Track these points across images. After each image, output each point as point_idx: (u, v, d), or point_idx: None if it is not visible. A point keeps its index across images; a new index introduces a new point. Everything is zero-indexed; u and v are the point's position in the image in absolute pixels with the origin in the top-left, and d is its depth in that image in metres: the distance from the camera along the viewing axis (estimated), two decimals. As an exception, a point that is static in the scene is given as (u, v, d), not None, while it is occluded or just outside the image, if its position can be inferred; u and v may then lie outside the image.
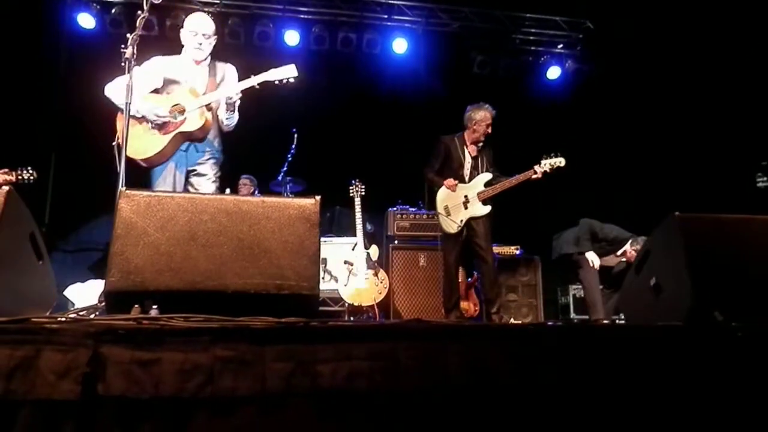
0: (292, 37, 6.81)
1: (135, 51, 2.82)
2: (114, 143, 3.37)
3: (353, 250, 5.38)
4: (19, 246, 2.00)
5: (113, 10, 6.41)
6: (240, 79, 3.59)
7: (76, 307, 3.57)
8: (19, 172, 4.89)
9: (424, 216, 5.83)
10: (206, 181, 3.62)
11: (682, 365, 1.79)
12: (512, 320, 5.48)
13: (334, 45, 6.98)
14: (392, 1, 7.01)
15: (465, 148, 4.86)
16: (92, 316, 2.10)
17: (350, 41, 6.99)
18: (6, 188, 1.91)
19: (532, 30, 7.40)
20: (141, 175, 3.62)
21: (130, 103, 2.80)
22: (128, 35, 2.85)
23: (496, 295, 4.82)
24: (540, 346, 1.76)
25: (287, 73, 3.48)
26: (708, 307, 2.08)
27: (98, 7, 6.45)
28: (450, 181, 4.76)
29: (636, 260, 2.68)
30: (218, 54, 3.81)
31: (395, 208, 5.89)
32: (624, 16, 6.74)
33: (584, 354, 1.78)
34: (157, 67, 3.62)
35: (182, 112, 3.46)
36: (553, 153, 4.74)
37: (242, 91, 3.50)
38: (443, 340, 1.72)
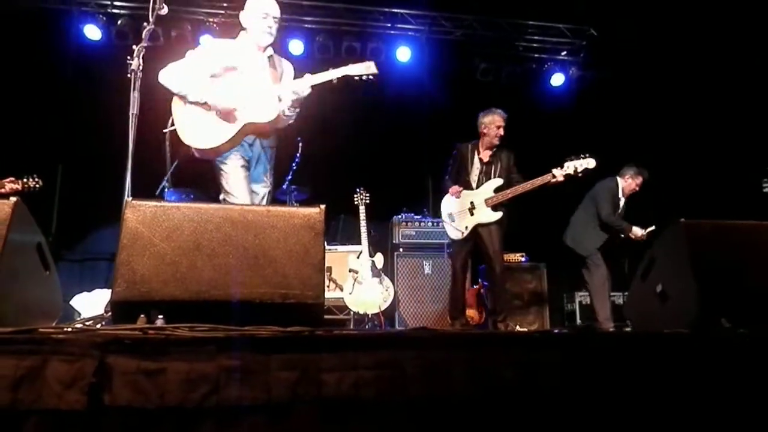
0: (296, 47, 6.85)
1: (141, 62, 2.84)
2: (166, 130, 3.38)
3: (358, 258, 5.38)
4: (26, 256, 2.01)
5: (119, 22, 6.47)
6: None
7: (82, 316, 3.58)
8: (26, 180, 4.93)
9: (429, 224, 5.83)
10: (264, 179, 3.36)
11: (690, 373, 1.78)
12: (518, 328, 5.45)
13: (338, 54, 7.00)
14: (395, 10, 7.04)
15: (476, 154, 4.83)
16: (98, 326, 2.11)
17: (354, 50, 7.02)
18: (13, 199, 1.92)
19: (536, 37, 7.42)
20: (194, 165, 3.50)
21: (136, 114, 2.80)
22: (134, 47, 2.87)
23: (502, 303, 4.79)
24: (546, 354, 1.75)
25: (367, 69, 3.26)
26: (715, 314, 2.07)
27: (104, 18, 6.52)
28: (454, 188, 4.74)
29: (642, 267, 2.67)
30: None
31: (400, 216, 5.89)
32: (627, 21, 6.75)
33: (591, 362, 1.77)
34: (215, 50, 3.31)
35: (249, 101, 3.18)
36: (582, 155, 4.57)
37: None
38: (449, 348, 1.72)
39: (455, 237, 4.75)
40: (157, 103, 3.36)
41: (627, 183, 5.43)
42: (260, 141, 3.32)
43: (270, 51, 3.38)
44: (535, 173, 4.70)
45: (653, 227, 5.17)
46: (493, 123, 4.76)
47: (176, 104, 3.22)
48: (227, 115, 3.14)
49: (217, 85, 3.20)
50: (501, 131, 4.76)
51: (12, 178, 4.91)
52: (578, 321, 6.18)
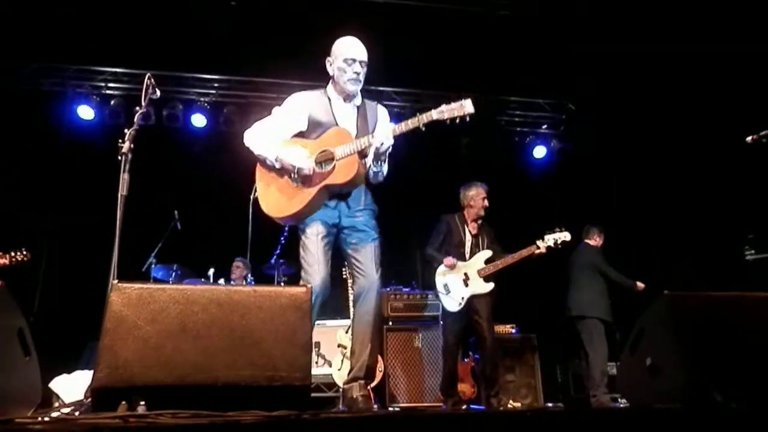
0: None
1: (132, 145, 2.90)
2: (252, 196, 3.22)
3: (347, 332, 5.31)
4: (7, 342, 1.97)
5: (112, 102, 6.64)
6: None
7: (62, 400, 3.46)
8: (13, 254, 4.89)
9: (418, 296, 5.80)
10: (369, 236, 3.06)
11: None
12: (511, 402, 5.33)
13: (325, 130, 7.17)
14: (381, 88, 7.29)
15: (466, 226, 4.94)
16: (77, 413, 2.04)
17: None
18: (-3, 283, 1.91)
19: (517, 112, 7.69)
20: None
21: (125, 195, 2.82)
22: (126, 130, 2.94)
23: (495, 377, 4.74)
24: (539, 434, 1.72)
25: (463, 109, 2.91)
26: (706, 388, 2.05)
27: (98, 99, 6.69)
28: (449, 260, 4.77)
29: (630, 339, 2.66)
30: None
31: (388, 289, 5.86)
32: (604, 94, 7.03)
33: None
34: (301, 105, 3.06)
35: (330, 160, 2.89)
36: (557, 228, 4.80)
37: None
38: (443, 430, 1.68)
39: (453, 309, 4.74)
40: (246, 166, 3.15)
41: (596, 242, 5.75)
42: (345, 203, 3.01)
43: (358, 100, 3.14)
44: (523, 242, 4.82)
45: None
46: (478, 195, 4.91)
47: (259, 169, 3.03)
48: (304, 178, 2.88)
49: (303, 143, 2.96)
50: (486, 203, 4.92)
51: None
52: (572, 392, 6.06)
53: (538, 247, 4.71)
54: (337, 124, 3.00)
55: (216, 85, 6.99)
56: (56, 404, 3.34)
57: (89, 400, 2.10)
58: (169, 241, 5.78)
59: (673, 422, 1.83)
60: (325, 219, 2.97)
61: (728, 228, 6.14)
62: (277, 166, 2.92)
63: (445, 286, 4.80)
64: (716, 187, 6.65)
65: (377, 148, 2.88)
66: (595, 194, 7.12)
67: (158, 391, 1.77)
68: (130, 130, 2.94)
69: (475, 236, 4.92)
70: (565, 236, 4.77)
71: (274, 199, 2.95)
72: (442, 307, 4.86)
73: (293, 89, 6.89)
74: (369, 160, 2.97)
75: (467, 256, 4.86)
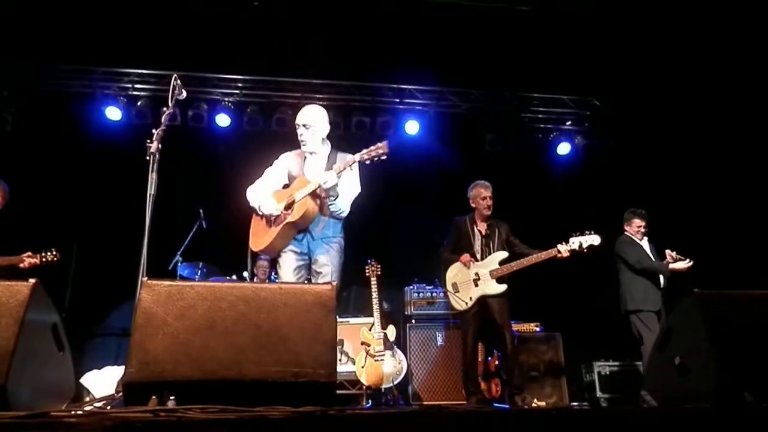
0: (308, 123, 7.05)
1: (160, 145, 2.94)
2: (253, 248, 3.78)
3: (370, 330, 5.33)
4: (41, 338, 2.03)
5: (139, 103, 6.73)
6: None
7: (92, 395, 3.54)
8: (43, 254, 5.00)
9: (441, 294, 5.80)
10: (327, 271, 3.58)
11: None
12: (536, 401, 5.28)
13: (348, 128, 7.20)
14: (403, 86, 7.29)
15: (475, 226, 4.91)
16: (109, 407, 2.09)
17: (364, 124, 7.22)
18: (32, 280, 1.96)
19: (541, 109, 7.61)
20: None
21: (153, 195, 2.87)
22: (153, 130, 2.99)
23: (517, 375, 4.71)
24: (564, 433, 1.71)
25: (378, 151, 3.49)
26: (736, 388, 2.01)
27: (125, 100, 6.79)
28: (466, 257, 4.75)
29: (658, 338, 2.62)
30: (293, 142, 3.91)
31: (412, 287, 5.87)
32: (629, 91, 6.93)
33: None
34: (282, 165, 3.84)
35: (291, 205, 3.57)
36: (587, 231, 4.51)
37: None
38: (466, 427, 1.68)
39: (459, 308, 4.75)
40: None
41: (631, 229, 5.42)
42: (309, 234, 3.63)
43: (324, 153, 3.77)
44: (545, 241, 4.71)
45: (689, 262, 5.05)
46: (478, 196, 4.88)
47: (253, 215, 3.79)
48: (275, 220, 3.63)
49: (280, 194, 3.70)
50: (489, 201, 4.86)
51: (30, 253, 4.99)
52: (598, 392, 5.98)
53: (560, 252, 4.50)
54: (304, 175, 3.68)
55: (240, 85, 7.05)
56: (87, 399, 3.41)
57: (120, 394, 2.15)
58: (194, 240, 5.86)
59: (702, 422, 1.80)
60: (296, 249, 3.65)
61: (760, 226, 6.01)
62: (260, 213, 3.68)
63: (454, 285, 4.80)
64: (747, 183, 6.51)
65: (321, 187, 3.49)
66: (620, 191, 7.01)
67: (187, 386, 1.80)
68: (158, 130, 2.99)
69: (485, 236, 4.86)
70: (594, 240, 4.49)
71: (255, 237, 3.74)
72: (450, 306, 4.85)
73: (315, 88, 7.07)
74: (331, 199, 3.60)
75: (479, 256, 4.82)
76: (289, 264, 3.61)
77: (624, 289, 5.21)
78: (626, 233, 5.42)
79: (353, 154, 3.61)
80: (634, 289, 5.14)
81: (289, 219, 3.54)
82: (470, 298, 4.69)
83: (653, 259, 5.24)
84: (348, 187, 3.67)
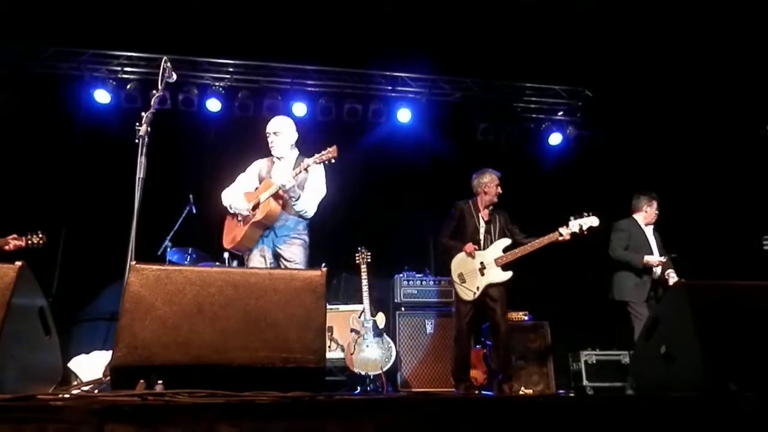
0: (299, 109, 7.02)
1: (149, 128, 2.91)
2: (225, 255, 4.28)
3: (360, 317, 5.34)
4: (28, 321, 2.01)
5: (128, 86, 6.65)
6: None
7: (80, 379, 3.52)
8: (29, 236, 4.95)
9: (431, 282, 5.81)
10: (294, 266, 3.88)
11: (698, 439, 1.74)
12: (523, 389, 5.34)
13: (340, 115, 7.17)
14: (396, 74, 7.25)
15: (478, 213, 4.90)
16: (96, 391, 2.08)
17: (356, 112, 7.19)
18: (18, 263, 1.94)
19: (533, 98, 7.61)
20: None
21: (142, 179, 2.85)
22: (143, 113, 2.95)
23: (507, 364, 4.72)
24: (551, 420, 1.72)
25: (329, 155, 3.85)
26: (721, 377, 2.04)
27: (114, 83, 6.71)
28: (470, 246, 4.72)
29: (645, 327, 2.65)
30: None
31: (402, 275, 5.88)
32: (621, 82, 6.94)
33: (597, 427, 1.73)
34: (252, 170, 4.24)
35: (257, 205, 3.95)
36: (585, 213, 4.61)
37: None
38: (453, 414, 1.69)
39: (468, 298, 4.70)
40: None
41: (648, 213, 5.24)
42: (275, 231, 3.99)
43: (291, 157, 4.16)
44: (536, 231, 4.73)
45: (671, 255, 5.00)
46: (492, 182, 4.86)
47: (227, 216, 4.17)
48: (244, 219, 3.99)
49: (249, 196, 4.06)
50: (499, 189, 4.88)
51: (15, 235, 4.93)
52: (584, 381, 6.04)
53: (561, 235, 4.58)
54: (270, 179, 4.06)
55: (231, 69, 6.98)
56: (75, 383, 3.40)
57: (108, 378, 2.14)
58: (184, 225, 5.83)
59: (687, 411, 1.82)
60: (262, 245, 4.00)
61: (746, 217, 6.06)
62: (231, 212, 4.08)
63: (460, 275, 4.76)
64: (735, 176, 6.56)
65: (283, 188, 3.84)
66: (612, 181, 7.04)
67: (175, 371, 1.79)
68: (147, 113, 2.95)
69: (487, 222, 4.88)
70: (593, 221, 4.57)
71: (227, 235, 4.12)
72: (456, 294, 4.83)
73: (306, 74, 7.02)
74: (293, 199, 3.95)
75: (482, 243, 4.82)
76: (256, 263, 3.94)
77: (614, 276, 5.16)
78: (630, 218, 5.29)
79: (304, 158, 4.00)
80: (621, 278, 5.10)
81: (255, 218, 3.91)
82: (477, 288, 4.67)
83: (653, 248, 5.14)
84: (313, 189, 4.04)
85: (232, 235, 4.05)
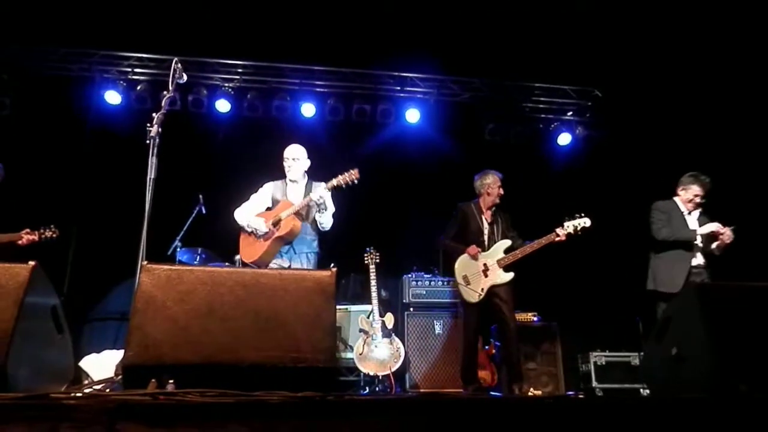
0: (308, 109, 7.04)
1: (160, 129, 2.93)
2: (237, 257, 4.58)
3: (368, 317, 5.34)
4: (41, 320, 2.03)
5: (139, 87, 6.69)
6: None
7: (91, 378, 3.56)
8: (42, 231, 5.01)
9: (440, 283, 5.81)
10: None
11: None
12: (532, 390, 5.32)
13: (348, 116, 7.18)
14: (404, 74, 7.25)
15: (481, 214, 4.91)
16: (108, 390, 2.10)
17: (364, 112, 7.19)
18: (32, 263, 1.96)
19: (542, 99, 7.58)
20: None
21: (153, 179, 2.87)
22: (153, 114, 2.97)
23: (516, 364, 4.72)
24: (560, 421, 1.72)
25: (351, 177, 4.26)
26: (733, 379, 2.03)
27: (124, 84, 6.75)
28: (473, 248, 4.74)
29: (656, 328, 2.63)
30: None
31: (410, 275, 5.87)
32: (631, 82, 6.90)
33: (607, 429, 1.73)
34: (266, 191, 4.62)
35: (278, 222, 4.33)
36: (577, 214, 4.71)
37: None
38: (461, 415, 1.69)
39: (472, 300, 4.71)
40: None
41: (682, 196, 4.86)
42: (293, 248, 4.41)
43: (303, 182, 4.60)
44: (546, 231, 4.76)
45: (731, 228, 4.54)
46: (495, 183, 4.89)
47: (241, 232, 4.51)
48: (264, 235, 4.37)
49: (266, 215, 4.45)
50: (501, 191, 4.91)
51: (28, 230, 5.00)
52: (594, 383, 6.01)
53: (558, 235, 4.67)
54: (287, 199, 4.50)
55: (240, 70, 7.01)
56: (86, 381, 3.43)
57: (120, 377, 2.15)
58: (194, 226, 5.86)
59: (697, 412, 1.81)
60: (281, 258, 4.40)
61: (759, 219, 6.01)
62: (249, 230, 4.43)
63: (465, 277, 4.77)
64: (748, 176, 6.50)
65: (314, 201, 4.30)
66: (620, 183, 7.01)
67: (186, 370, 1.80)
68: (158, 114, 2.97)
69: (490, 224, 4.90)
70: (585, 222, 4.68)
71: (246, 250, 4.44)
72: (461, 297, 4.83)
73: (315, 75, 7.04)
74: (317, 215, 4.42)
75: (485, 244, 4.83)
76: None
77: (650, 264, 4.76)
78: (672, 199, 4.88)
79: (323, 183, 4.37)
80: (656, 266, 4.69)
81: (278, 234, 4.29)
82: (482, 290, 4.69)
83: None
84: (331, 205, 4.50)
85: (251, 249, 4.39)
